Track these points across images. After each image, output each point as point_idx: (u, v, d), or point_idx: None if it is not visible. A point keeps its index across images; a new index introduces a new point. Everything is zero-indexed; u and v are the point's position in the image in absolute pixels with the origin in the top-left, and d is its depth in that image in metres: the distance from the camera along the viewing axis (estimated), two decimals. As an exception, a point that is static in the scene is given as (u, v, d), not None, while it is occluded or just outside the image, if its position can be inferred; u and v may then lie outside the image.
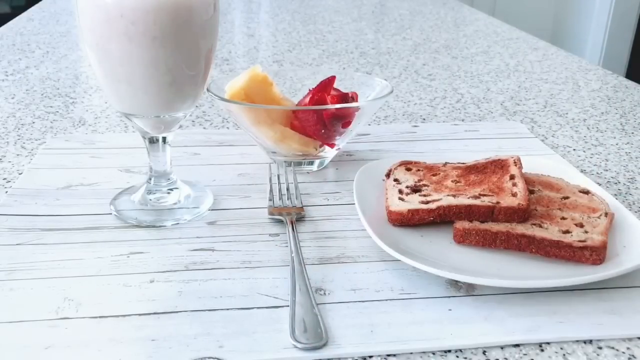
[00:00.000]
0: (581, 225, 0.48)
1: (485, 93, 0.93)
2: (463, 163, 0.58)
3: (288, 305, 0.42)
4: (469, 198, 0.49)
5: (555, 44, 1.31)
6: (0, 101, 0.83)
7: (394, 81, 0.98)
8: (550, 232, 0.47)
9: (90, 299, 0.42)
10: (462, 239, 0.48)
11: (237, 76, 0.62)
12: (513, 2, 3.04)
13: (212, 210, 0.55)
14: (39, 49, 1.12)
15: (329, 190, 0.59)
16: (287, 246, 0.49)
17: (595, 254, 0.44)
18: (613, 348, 0.39)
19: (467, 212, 0.48)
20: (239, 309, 0.42)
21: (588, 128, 0.79)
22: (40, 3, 1.60)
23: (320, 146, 0.61)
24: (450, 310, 0.42)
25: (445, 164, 0.58)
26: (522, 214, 0.48)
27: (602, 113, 0.85)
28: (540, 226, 0.48)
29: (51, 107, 0.82)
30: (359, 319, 0.41)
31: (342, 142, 0.62)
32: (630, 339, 0.40)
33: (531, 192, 0.52)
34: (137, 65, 0.47)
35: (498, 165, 0.55)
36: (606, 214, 0.49)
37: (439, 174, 0.56)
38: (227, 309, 0.42)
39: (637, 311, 0.42)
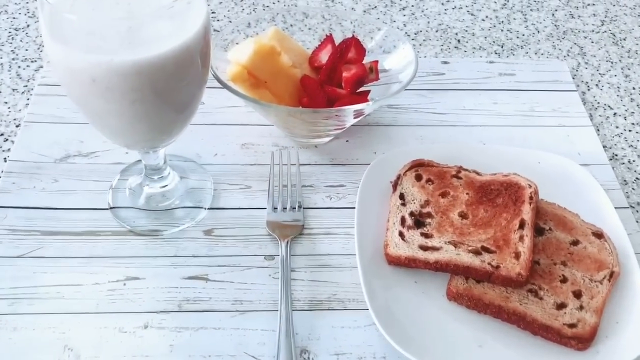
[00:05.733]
0: (579, 295, 0.47)
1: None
2: (478, 174, 0.55)
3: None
4: (469, 252, 0.48)
5: None
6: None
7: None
8: (544, 306, 0.46)
9: (88, 350, 0.45)
10: (454, 299, 0.48)
11: (244, 41, 0.58)
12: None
13: (211, 209, 0.55)
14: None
15: (334, 182, 0.58)
16: (279, 278, 0.49)
17: (582, 344, 0.44)
18: None
19: (465, 271, 0.48)
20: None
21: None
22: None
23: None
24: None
25: (459, 171, 0.55)
26: (520, 285, 0.47)
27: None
28: (537, 294, 0.47)
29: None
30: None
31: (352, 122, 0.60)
32: None
33: (540, 230, 0.51)
34: (117, 119, 0.45)
35: (512, 196, 0.52)
36: (611, 275, 0.48)
37: (448, 194, 0.53)
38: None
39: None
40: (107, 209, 0.54)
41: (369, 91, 0.60)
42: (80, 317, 0.47)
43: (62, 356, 0.44)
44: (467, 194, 0.53)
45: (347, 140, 0.62)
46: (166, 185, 0.55)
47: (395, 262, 0.49)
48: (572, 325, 0.45)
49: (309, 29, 0.68)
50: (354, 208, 0.53)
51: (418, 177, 0.55)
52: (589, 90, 0.70)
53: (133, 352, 0.45)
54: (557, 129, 0.64)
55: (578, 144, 0.62)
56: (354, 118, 0.57)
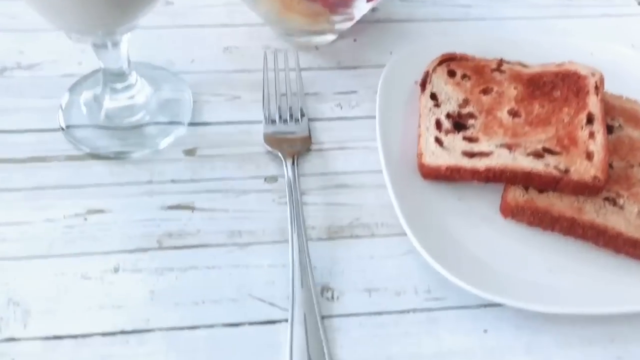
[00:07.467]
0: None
1: None
2: (524, 66, 0.45)
3: (287, 320, 0.33)
4: (528, 155, 0.38)
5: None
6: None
7: None
8: (627, 216, 0.36)
9: (41, 303, 0.34)
10: (512, 215, 0.38)
11: None
12: None
13: (191, 125, 0.43)
14: None
15: (344, 87, 0.47)
16: (286, 202, 0.38)
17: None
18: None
19: (525, 179, 0.38)
20: (226, 325, 0.33)
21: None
22: None
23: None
24: (485, 331, 0.34)
25: (500, 64, 0.44)
26: (596, 191, 0.37)
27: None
28: (615, 203, 0.37)
29: None
30: (373, 348, 0.33)
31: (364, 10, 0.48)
32: None
33: (609, 128, 0.41)
34: None
35: (572, 87, 0.42)
36: None
37: (492, 91, 0.43)
38: (212, 326, 0.33)
39: None
40: (58, 130, 0.42)
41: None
42: (29, 263, 0.36)
43: (6, 313, 0.33)
44: (514, 88, 0.43)
45: (354, 40, 0.51)
46: (133, 96, 0.43)
47: (434, 174, 0.39)
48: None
49: None
50: (371, 117, 0.42)
51: (451, 73, 0.44)
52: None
53: (101, 302, 0.34)
54: (603, 19, 0.53)
55: (631, 35, 0.52)
56: (368, 1, 0.45)
